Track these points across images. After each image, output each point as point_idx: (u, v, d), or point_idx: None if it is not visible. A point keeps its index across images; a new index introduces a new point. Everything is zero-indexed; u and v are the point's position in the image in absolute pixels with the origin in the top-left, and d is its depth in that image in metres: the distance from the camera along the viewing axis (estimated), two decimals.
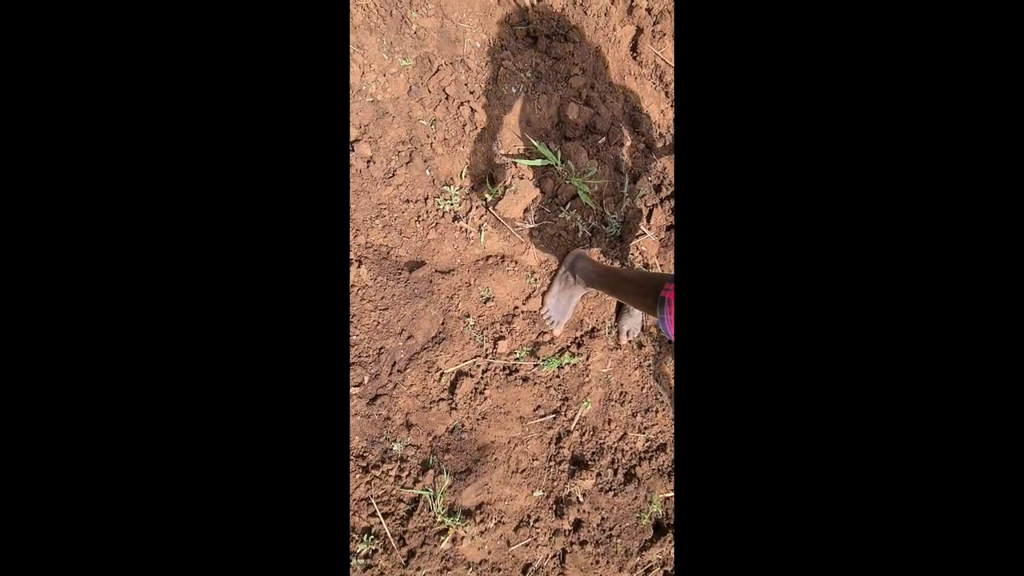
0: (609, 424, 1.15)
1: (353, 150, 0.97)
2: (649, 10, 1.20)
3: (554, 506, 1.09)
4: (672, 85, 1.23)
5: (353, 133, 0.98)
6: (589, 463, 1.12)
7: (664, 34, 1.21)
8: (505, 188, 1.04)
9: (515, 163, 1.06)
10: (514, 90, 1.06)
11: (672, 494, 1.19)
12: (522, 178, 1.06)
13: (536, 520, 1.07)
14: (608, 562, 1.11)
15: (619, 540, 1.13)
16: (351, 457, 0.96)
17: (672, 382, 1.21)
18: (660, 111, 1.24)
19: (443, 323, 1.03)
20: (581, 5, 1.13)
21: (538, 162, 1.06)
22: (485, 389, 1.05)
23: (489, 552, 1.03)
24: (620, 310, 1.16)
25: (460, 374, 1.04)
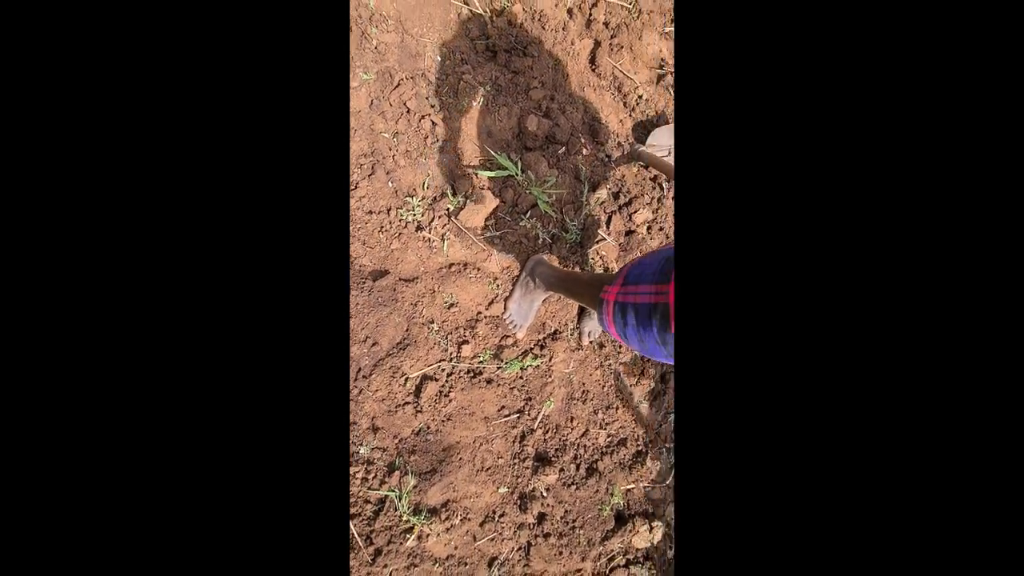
0: (572, 421, 1.20)
1: None
2: (606, 24, 1.25)
3: (519, 501, 1.14)
4: (630, 96, 1.29)
5: None
6: (552, 459, 1.18)
7: (621, 47, 1.26)
8: (467, 198, 1.08)
9: (476, 174, 1.10)
10: (474, 103, 1.10)
11: (632, 485, 1.25)
12: (483, 188, 1.10)
13: (501, 515, 1.12)
14: (571, 553, 1.17)
15: (582, 531, 1.19)
16: None
17: (629, 380, 1.27)
18: (619, 121, 1.29)
19: (407, 329, 1.07)
20: (539, 20, 1.17)
21: (499, 173, 1.10)
22: (450, 392, 1.09)
23: (455, 547, 1.07)
24: (582, 312, 1.22)
25: (425, 378, 1.07)
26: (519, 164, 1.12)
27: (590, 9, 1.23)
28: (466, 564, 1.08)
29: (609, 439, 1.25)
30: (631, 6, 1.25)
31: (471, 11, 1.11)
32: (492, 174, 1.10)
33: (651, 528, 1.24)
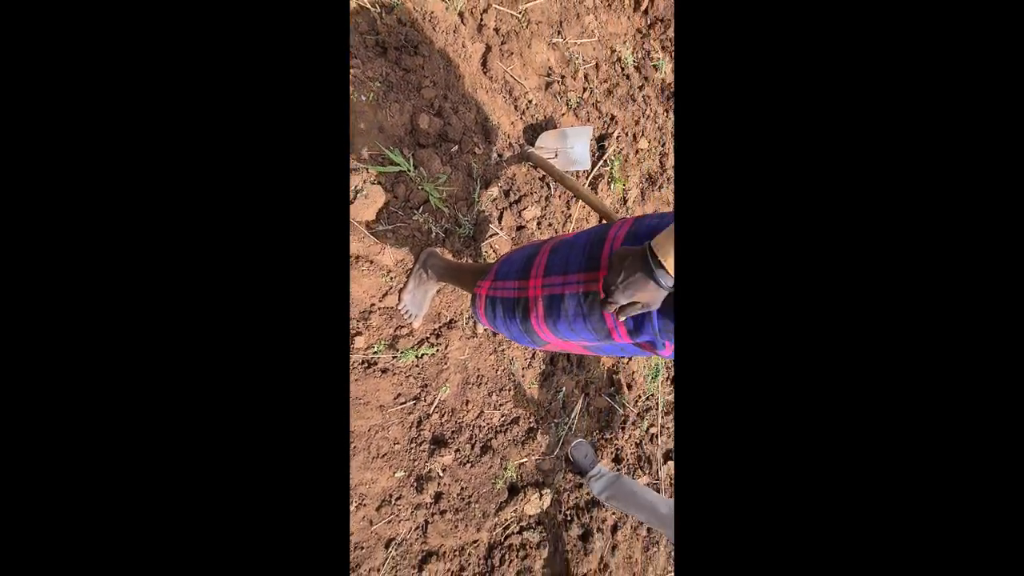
0: (467, 405, 1.28)
1: None
2: (497, 30, 1.32)
3: (415, 483, 1.20)
4: (520, 100, 1.38)
5: None
6: (448, 441, 1.25)
7: (512, 53, 1.35)
8: (357, 192, 1.09)
9: (367, 168, 1.11)
10: (363, 98, 1.11)
11: (525, 459, 1.38)
12: (375, 183, 1.12)
13: (398, 498, 1.17)
14: (467, 525, 1.26)
15: (477, 505, 1.28)
16: None
17: (521, 364, 1.38)
18: (510, 123, 1.38)
19: None
20: (430, 21, 1.20)
21: (390, 168, 1.13)
22: None
23: (351, 533, 1.10)
24: None
25: None
26: (411, 160, 1.16)
27: (481, 15, 1.29)
28: (363, 548, 1.12)
29: (503, 419, 1.35)
30: (520, 15, 1.34)
31: (359, 4, 1.12)
32: (383, 169, 1.12)
33: (541, 496, 1.38)
